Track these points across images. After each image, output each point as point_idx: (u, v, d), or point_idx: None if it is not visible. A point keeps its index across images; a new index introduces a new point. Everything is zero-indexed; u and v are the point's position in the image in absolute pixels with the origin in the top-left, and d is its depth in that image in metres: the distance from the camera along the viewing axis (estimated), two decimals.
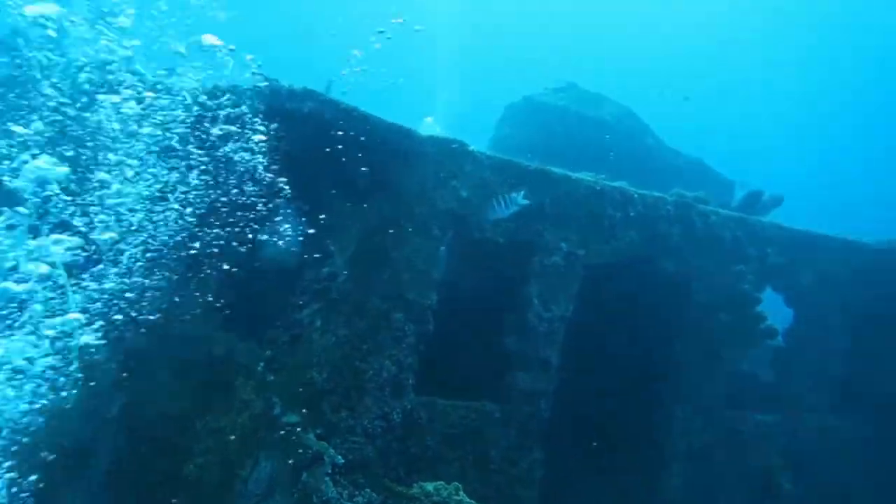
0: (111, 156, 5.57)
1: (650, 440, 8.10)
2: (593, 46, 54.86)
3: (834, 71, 54.03)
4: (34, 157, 4.98)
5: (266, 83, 6.00)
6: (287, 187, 6.46)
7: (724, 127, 56.17)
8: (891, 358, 9.06)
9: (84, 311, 5.24)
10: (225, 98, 5.82)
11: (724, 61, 56.89)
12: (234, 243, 6.15)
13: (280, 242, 9.32)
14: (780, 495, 8.50)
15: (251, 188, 6.17)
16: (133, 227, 5.59)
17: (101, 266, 5.41)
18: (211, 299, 6.10)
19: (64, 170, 5.03)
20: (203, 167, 5.88)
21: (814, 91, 56.02)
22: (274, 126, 6.03)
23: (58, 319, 5.06)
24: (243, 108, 5.82)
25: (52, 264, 4.96)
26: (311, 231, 6.58)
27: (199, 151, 5.83)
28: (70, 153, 5.35)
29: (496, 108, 17.01)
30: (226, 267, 6.13)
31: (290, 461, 5.91)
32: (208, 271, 6.07)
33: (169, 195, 5.76)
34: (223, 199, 6.03)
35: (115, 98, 5.51)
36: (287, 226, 9.47)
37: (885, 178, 52.87)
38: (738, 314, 8.01)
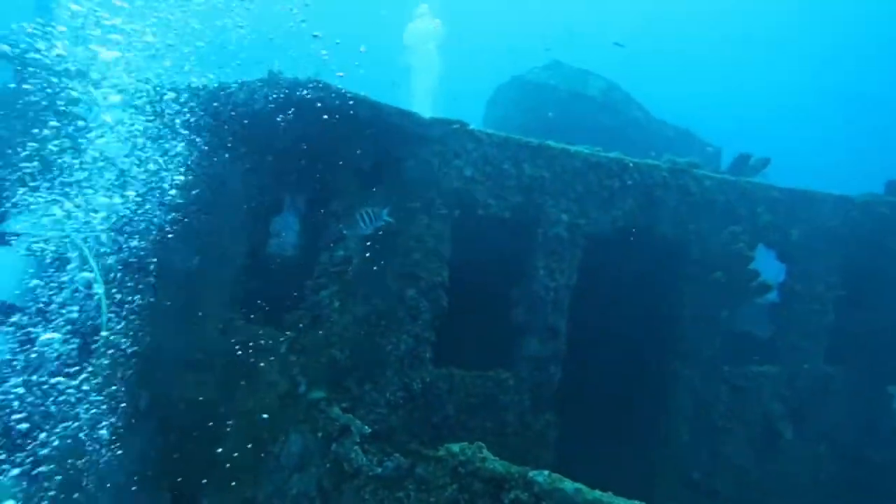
0: None
1: (657, 397, 8.49)
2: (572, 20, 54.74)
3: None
4: None
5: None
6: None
7: (710, 93, 56.59)
8: (877, 306, 9.50)
9: None
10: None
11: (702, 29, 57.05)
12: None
13: (282, 234, 9.60)
14: (781, 443, 8.95)
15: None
16: None
17: None
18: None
19: None
20: None
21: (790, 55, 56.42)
22: (282, 117, 6.28)
23: None
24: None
25: None
26: (325, 216, 6.85)
27: None
28: None
29: (483, 91, 17.22)
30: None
31: (319, 434, 6.22)
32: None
33: None
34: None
35: None
36: (287, 218, 9.73)
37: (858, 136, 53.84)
38: (733, 273, 8.36)
